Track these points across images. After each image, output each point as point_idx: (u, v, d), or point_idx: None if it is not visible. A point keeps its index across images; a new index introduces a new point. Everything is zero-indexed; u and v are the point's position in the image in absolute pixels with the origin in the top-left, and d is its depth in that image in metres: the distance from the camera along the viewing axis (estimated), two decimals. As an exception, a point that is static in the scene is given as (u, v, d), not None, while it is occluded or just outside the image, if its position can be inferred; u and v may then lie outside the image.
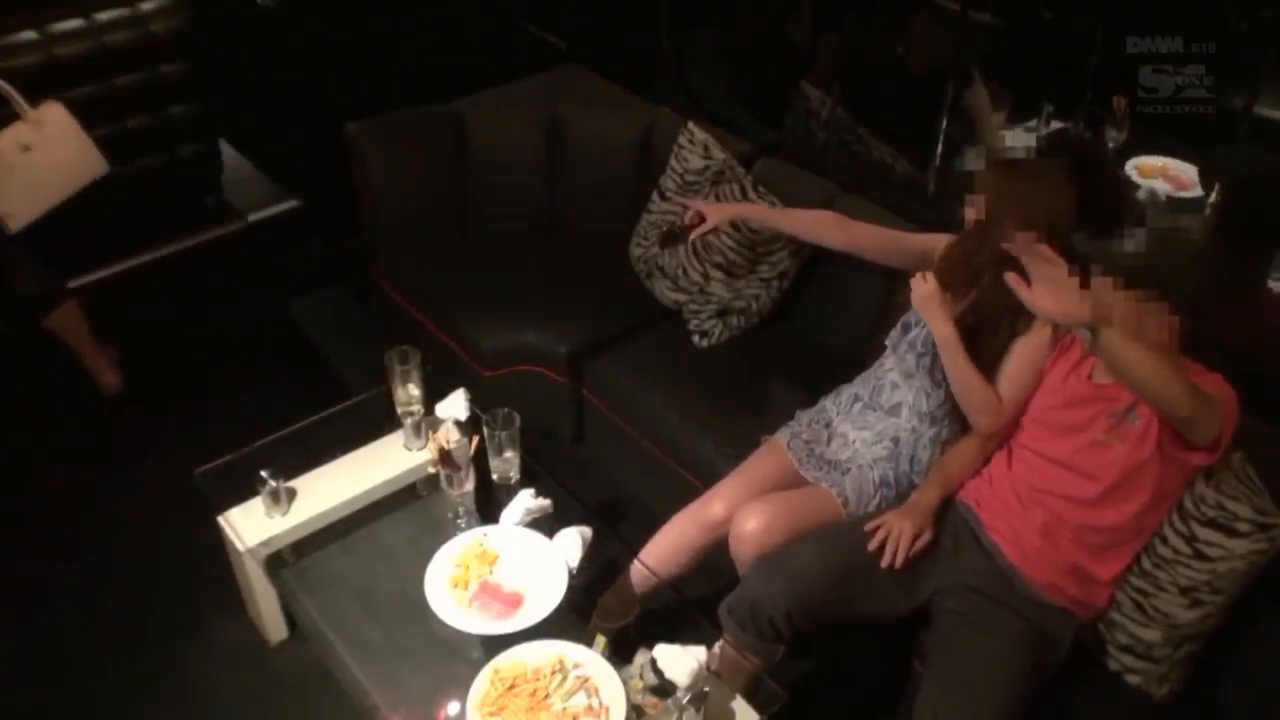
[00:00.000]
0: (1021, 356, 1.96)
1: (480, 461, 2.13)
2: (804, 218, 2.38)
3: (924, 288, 1.93)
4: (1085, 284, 1.64)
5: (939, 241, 2.19)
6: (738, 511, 2.05)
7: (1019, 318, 1.95)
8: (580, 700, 1.73)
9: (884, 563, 1.91)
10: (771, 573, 1.93)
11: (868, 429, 2.16)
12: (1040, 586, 1.86)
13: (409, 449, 2.31)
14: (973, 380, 1.96)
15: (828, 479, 2.11)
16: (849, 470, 2.13)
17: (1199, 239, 1.93)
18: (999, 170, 1.95)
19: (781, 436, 2.23)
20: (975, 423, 2.01)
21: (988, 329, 1.98)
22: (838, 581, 1.91)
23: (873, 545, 1.93)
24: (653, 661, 1.75)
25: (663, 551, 2.14)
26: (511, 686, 1.74)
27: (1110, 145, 2.57)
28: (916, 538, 1.92)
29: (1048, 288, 1.52)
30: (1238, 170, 2.24)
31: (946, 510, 2.01)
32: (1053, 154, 1.94)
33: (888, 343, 2.18)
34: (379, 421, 2.33)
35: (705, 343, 2.68)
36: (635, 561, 2.14)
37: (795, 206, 2.55)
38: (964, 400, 1.99)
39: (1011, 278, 1.54)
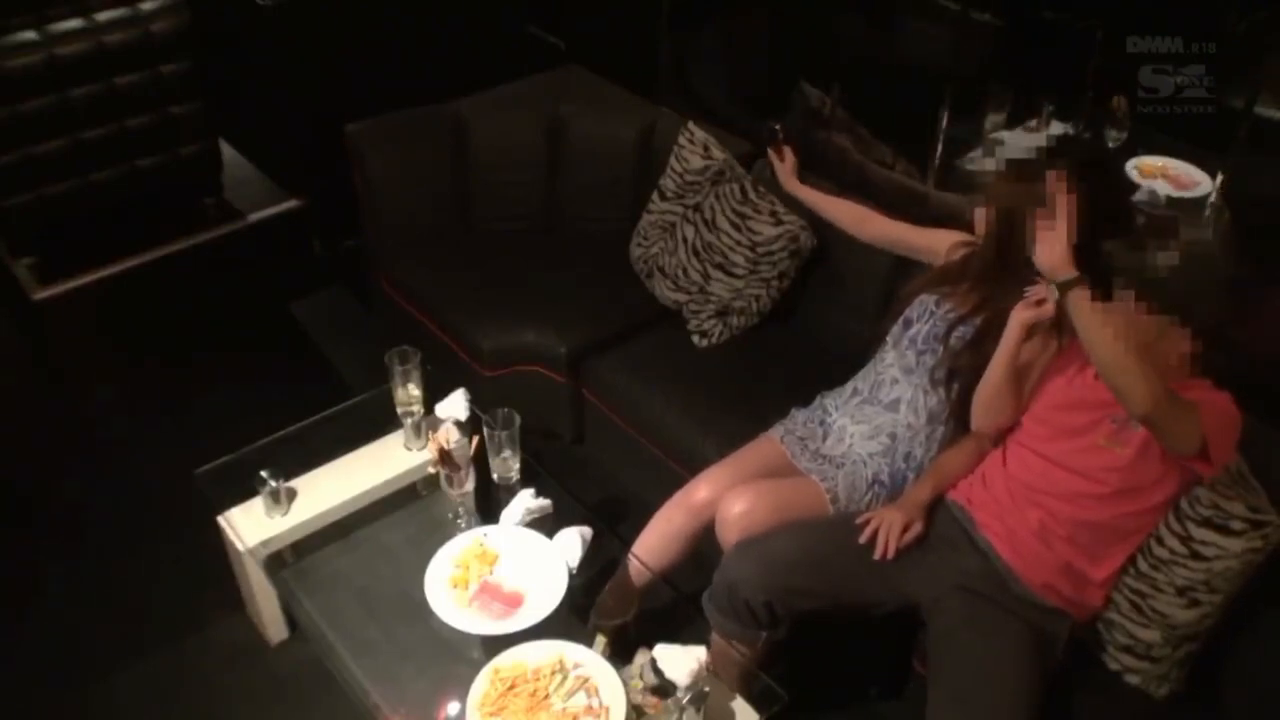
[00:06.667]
0: (1034, 357, 1.96)
1: (480, 461, 2.13)
2: (838, 210, 2.43)
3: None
4: (1108, 296, 1.72)
5: (947, 238, 2.20)
6: (724, 496, 2.06)
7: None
8: (580, 700, 1.73)
9: (875, 555, 1.91)
10: (748, 555, 1.95)
11: (865, 423, 2.16)
12: (1035, 587, 1.86)
13: (409, 449, 2.31)
14: (1008, 384, 1.95)
15: (819, 472, 2.12)
16: (843, 465, 2.13)
17: (1217, 253, 1.91)
18: (1008, 170, 1.96)
19: (775, 432, 2.23)
20: (981, 421, 2.00)
21: (1001, 328, 1.97)
22: (816, 568, 1.92)
23: (863, 538, 1.93)
24: (653, 661, 1.75)
25: (653, 542, 2.15)
26: (511, 686, 1.74)
27: (1110, 145, 2.57)
28: (906, 529, 1.93)
29: (1045, 237, 1.71)
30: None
31: (936, 508, 2.01)
32: (1060, 155, 1.94)
33: (889, 338, 2.18)
34: (379, 421, 2.33)
35: (705, 343, 2.68)
36: (631, 558, 2.14)
37: (800, 203, 2.56)
38: (989, 398, 1.97)
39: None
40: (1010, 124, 2.70)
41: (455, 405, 2.22)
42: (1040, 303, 1.88)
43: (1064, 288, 1.68)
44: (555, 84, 3.23)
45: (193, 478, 2.15)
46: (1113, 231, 1.90)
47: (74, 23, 2.96)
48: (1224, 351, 1.77)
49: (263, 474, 2.11)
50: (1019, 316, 1.90)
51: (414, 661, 1.93)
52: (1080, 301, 1.67)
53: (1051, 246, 1.70)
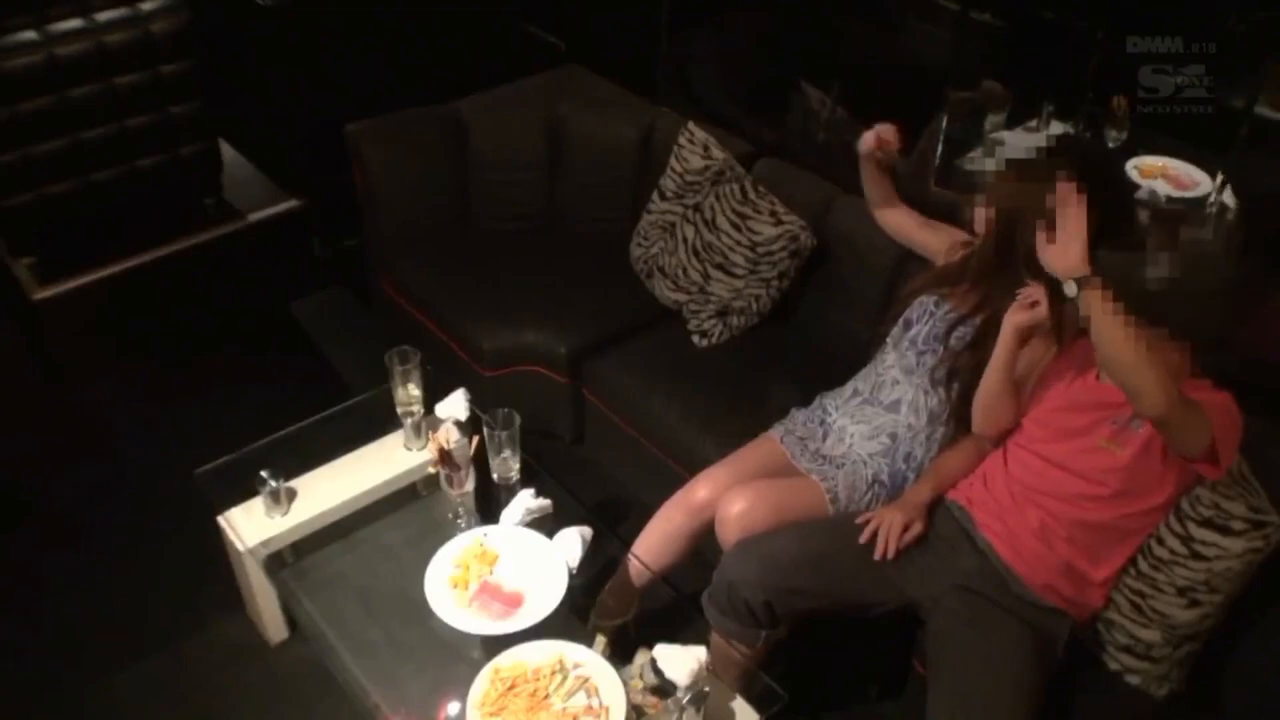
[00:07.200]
0: (1033, 360, 1.96)
1: (480, 461, 2.13)
2: (878, 183, 2.31)
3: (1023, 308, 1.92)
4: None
5: (948, 238, 2.20)
6: (724, 496, 2.06)
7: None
8: (580, 700, 1.73)
9: (876, 555, 1.92)
10: (747, 555, 1.95)
11: (865, 423, 2.16)
12: (1035, 587, 1.86)
13: (409, 449, 2.31)
14: (1006, 388, 1.95)
15: (819, 472, 2.12)
16: (843, 465, 2.13)
17: (1219, 255, 1.86)
18: (1009, 169, 1.96)
19: (775, 432, 2.23)
20: (981, 425, 2.00)
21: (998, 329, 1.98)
22: (814, 568, 1.93)
23: (864, 538, 1.94)
24: (653, 661, 1.75)
25: (653, 542, 2.15)
26: (511, 686, 1.74)
27: (1110, 145, 2.57)
28: (906, 529, 1.94)
29: (1060, 238, 1.68)
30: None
31: (936, 508, 2.01)
32: (1060, 155, 1.94)
33: (889, 340, 2.18)
34: (379, 421, 2.32)
35: (705, 343, 2.68)
36: (631, 558, 2.14)
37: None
38: (988, 402, 1.97)
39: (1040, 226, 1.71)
40: (1010, 124, 2.70)
41: (455, 405, 2.22)
42: (1034, 305, 1.88)
43: (1078, 286, 1.66)
44: (555, 84, 3.23)
45: (193, 478, 2.15)
46: (1114, 234, 1.90)
47: (74, 23, 2.96)
48: (1224, 351, 1.76)
49: (263, 474, 2.11)
50: (1012, 319, 1.90)
51: (414, 661, 1.93)
52: (1095, 300, 1.63)
53: (1066, 247, 1.67)
